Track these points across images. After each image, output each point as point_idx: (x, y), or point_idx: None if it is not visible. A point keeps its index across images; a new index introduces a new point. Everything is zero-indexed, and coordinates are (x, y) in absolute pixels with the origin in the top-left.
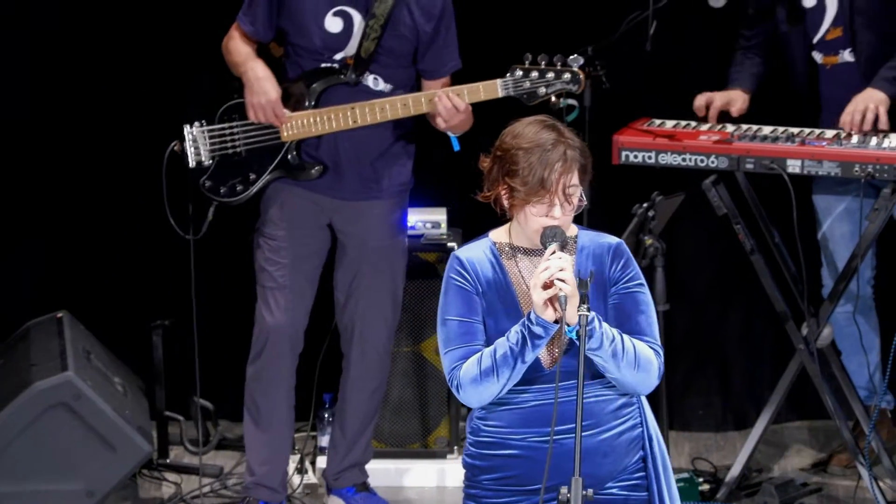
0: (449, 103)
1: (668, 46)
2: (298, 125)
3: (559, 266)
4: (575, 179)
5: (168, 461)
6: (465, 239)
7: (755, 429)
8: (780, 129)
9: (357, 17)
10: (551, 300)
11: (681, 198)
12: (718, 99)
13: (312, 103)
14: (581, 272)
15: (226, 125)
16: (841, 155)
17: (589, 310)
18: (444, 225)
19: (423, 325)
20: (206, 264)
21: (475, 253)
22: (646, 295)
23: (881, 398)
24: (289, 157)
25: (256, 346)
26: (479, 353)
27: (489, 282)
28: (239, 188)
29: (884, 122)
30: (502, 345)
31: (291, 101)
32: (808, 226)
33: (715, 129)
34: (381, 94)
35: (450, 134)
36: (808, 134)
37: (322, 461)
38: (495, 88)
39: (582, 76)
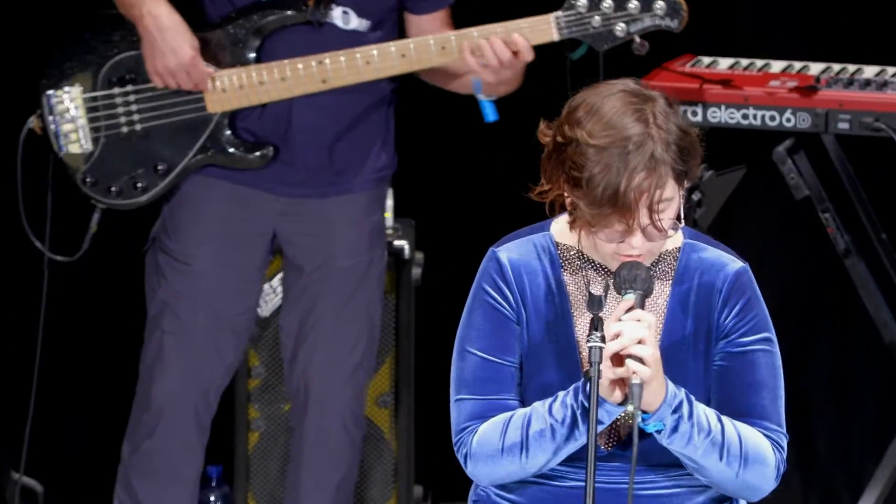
0: (503, 48)
1: None
2: (233, 89)
3: (636, 336)
4: (669, 191)
5: None
6: (420, 234)
7: None
8: (891, 69)
9: None
10: (622, 380)
11: (741, 173)
12: None
13: (252, 56)
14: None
15: (116, 90)
16: None
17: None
18: (389, 214)
19: None
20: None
21: (525, 254)
22: (772, 355)
23: None
24: (220, 136)
25: (143, 421)
26: (507, 417)
27: (538, 305)
28: (140, 184)
29: None
30: (540, 417)
31: (218, 52)
32: None
33: (792, 70)
34: (355, 37)
35: (481, 97)
36: None
37: None
38: (548, 28)
39: (684, 2)
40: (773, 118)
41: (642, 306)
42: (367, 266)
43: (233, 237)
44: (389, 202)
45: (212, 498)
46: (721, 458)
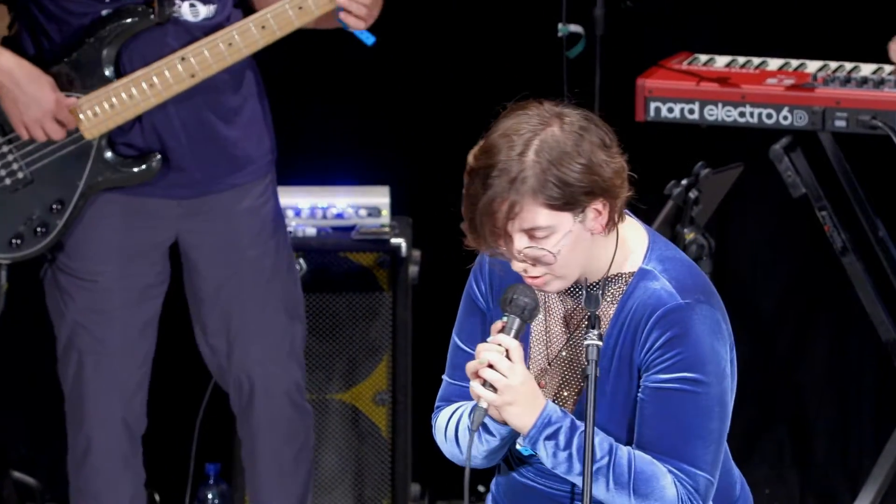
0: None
1: None
2: (105, 110)
3: (485, 360)
4: (541, 221)
5: None
6: (418, 232)
7: None
8: (889, 67)
9: None
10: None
11: (737, 171)
12: None
13: (111, 72)
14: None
15: None
16: None
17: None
18: (386, 211)
19: (355, 363)
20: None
21: None
22: (693, 396)
23: None
24: (104, 159)
25: (76, 445)
26: (455, 408)
27: None
28: (40, 229)
29: None
30: (465, 418)
31: (79, 79)
32: None
33: (789, 68)
34: (207, 24)
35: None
36: None
37: None
38: None
39: None
40: (769, 116)
41: (518, 331)
42: (276, 251)
43: (134, 248)
44: (386, 199)
45: (209, 495)
46: (608, 488)
